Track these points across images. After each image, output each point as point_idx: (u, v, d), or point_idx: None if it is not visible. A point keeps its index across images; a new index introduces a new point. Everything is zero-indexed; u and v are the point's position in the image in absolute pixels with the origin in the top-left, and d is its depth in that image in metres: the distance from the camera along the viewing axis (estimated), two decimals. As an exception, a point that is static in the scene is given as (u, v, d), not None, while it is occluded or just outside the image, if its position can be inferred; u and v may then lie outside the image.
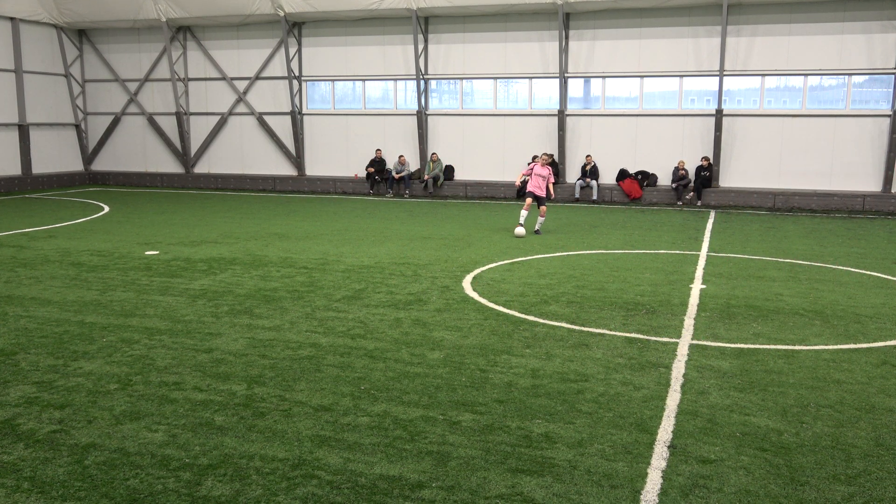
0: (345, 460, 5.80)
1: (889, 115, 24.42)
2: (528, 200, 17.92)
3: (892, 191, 24.60)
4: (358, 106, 30.01)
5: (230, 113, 31.01)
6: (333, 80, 29.99)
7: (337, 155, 29.98)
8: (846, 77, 25.16)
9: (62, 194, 27.71)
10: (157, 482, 5.44)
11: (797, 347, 8.75)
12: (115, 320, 9.78)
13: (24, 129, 29.74)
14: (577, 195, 26.39)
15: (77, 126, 32.55)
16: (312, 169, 30.44)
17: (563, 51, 26.49)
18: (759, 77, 25.80)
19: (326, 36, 29.41)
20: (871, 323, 9.91)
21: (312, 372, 7.79)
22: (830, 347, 8.76)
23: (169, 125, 31.82)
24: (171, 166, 32.15)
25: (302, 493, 5.29)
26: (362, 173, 29.09)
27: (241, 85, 30.67)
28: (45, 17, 30.14)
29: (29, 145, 29.96)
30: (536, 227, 18.05)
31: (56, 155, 31.50)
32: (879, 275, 13.35)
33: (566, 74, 26.89)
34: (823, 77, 25.61)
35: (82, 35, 32.35)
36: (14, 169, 29.50)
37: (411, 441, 6.14)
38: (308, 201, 25.95)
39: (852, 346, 8.86)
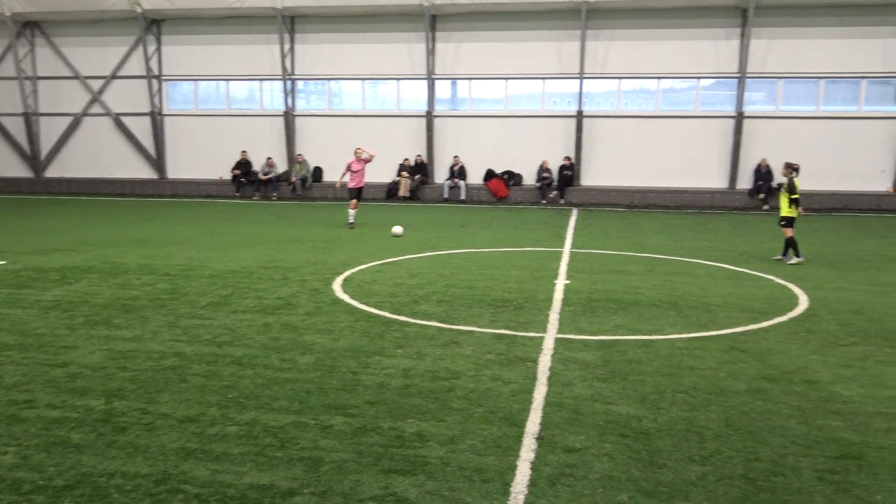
0: (212, 472, 5.63)
1: (734, 117, 26.06)
2: (355, 200, 18.93)
3: (737, 187, 26.26)
4: (222, 106, 29.22)
5: (84, 113, 29.50)
6: (196, 80, 29.07)
7: (201, 157, 29.07)
8: (695, 80, 26.67)
9: None
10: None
11: (654, 337, 9.21)
12: (-44, 337, 9.10)
13: None
14: (445, 195, 26.72)
15: None
16: (175, 172, 29.40)
17: (431, 52, 26.76)
18: (617, 80, 26.96)
19: (188, 34, 28.47)
20: (720, 312, 10.54)
21: (177, 382, 7.53)
22: (684, 336, 9.27)
23: (16, 127, 29.90)
24: (19, 170, 30.24)
25: (167, 509, 5.11)
26: (228, 176, 28.34)
27: (97, 84, 29.22)
28: None
29: None
30: (351, 220, 18.98)
31: None
32: (727, 266, 14.23)
33: (433, 76, 27.16)
34: (675, 80, 27.06)
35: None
36: None
37: (282, 448, 6.04)
38: (170, 205, 25.03)
39: (703, 333, 9.40)
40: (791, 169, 14.79)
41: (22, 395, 7.19)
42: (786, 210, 14.79)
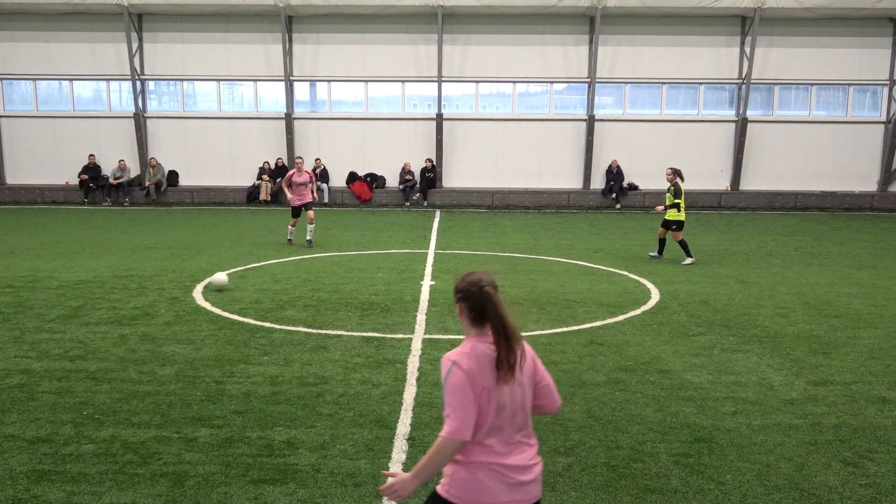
0: (68, 494, 5.34)
1: (585, 120, 27.17)
2: (294, 219, 16.65)
3: (591, 187, 27.40)
4: (66, 107, 27.60)
5: None
6: (35, 80, 27.31)
7: (44, 161, 27.33)
8: (549, 85, 27.61)
9: None
10: None
11: (518, 334, 9.46)
12: None
13: None
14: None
15: None
16: (14, 177, 27.51)
17: (288, 53, 26.36)
18: (474, 83, 27.50)
19: (24, 30, 26.68)
20: (578, 307, 10.97)
21: (25, 401, 7.07)
22: (546, 332, 9.59)
23: None
24: None
25: (19, 536, 4.79)
26: (74, 181, 26.79)
27: (-80, 83, 26.93)
28: None
29: None
30: (308, 237, 16.52)
31: None
32: (584, 263, 14.82)
33: (291, 77, 26.77)
34: (530, 84, 27.90)
35: None
36: None
37: (143, 464, 5.80)
38: (10, 213, 23.43)
39: (564, 329, 9.76)
40: (676, 174, 15.10)
41: None
42: (674, 214, 14.98)
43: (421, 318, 10.24)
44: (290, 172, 16.64)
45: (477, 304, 3.29)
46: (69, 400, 7.11)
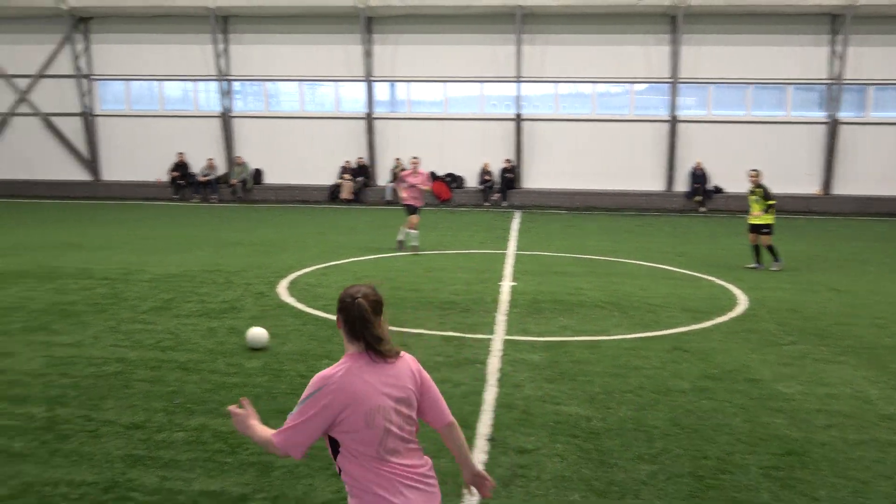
0: (161, 479, 5.52)
1: (668, 121, 26.65)
2: (412, 219, 15.68)
3: (674, 190, 26.86)
4: (156, 107, 28.59)
5: (11, 113, 28.51)
6: (128, 80, 28.37)
7: (137, 158, 28.38)
8: (629, 85, 27.19)
9: None
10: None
11: (600, 338, 9.35)
12: None
13: None
14: (388, 197, 26.66)
15: None
16: (109, 174, 28.65)
17: (368, 54, 26.68)
18: (553, 84, 27.30)
19: (118, 33, 27.76)
20: (661, 312, 10.77)
21: (120, 388, 7.35)
22: (629, 336, 9.44)
23: (-62, 126, 28.78)
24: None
25: (116, 518, 4.99)
26: (165, 177, 27.75)
27: (23, 83, 28.29)
28: None
29: None
30: (413, 243, 15.67)
31: None
32: (666, 267, 14.54)
33: (371, 78, 27.09)
34: (609, 84, 27.55)
35: None
36: None
37: (232, 454, 5.95)
38: (105, 208, 24.40)
39: (647, 334, 9.59)
40: (759, 175, 14.51)
41: (-44, 404, 6.92)
42: (764, 217, 14.37)
43: (501, 318, 10.22)
44: (405, 172, 16.22)
45: (349, 317, 3.23)
46: (161, 389, 7.36)
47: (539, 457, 5.92)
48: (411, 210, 15.75)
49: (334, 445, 3.26)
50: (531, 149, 27.24)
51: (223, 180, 27.45)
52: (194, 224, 20.22)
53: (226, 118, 27.61)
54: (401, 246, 15.89)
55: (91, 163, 28.36)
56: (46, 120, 28.33)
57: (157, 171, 27.99)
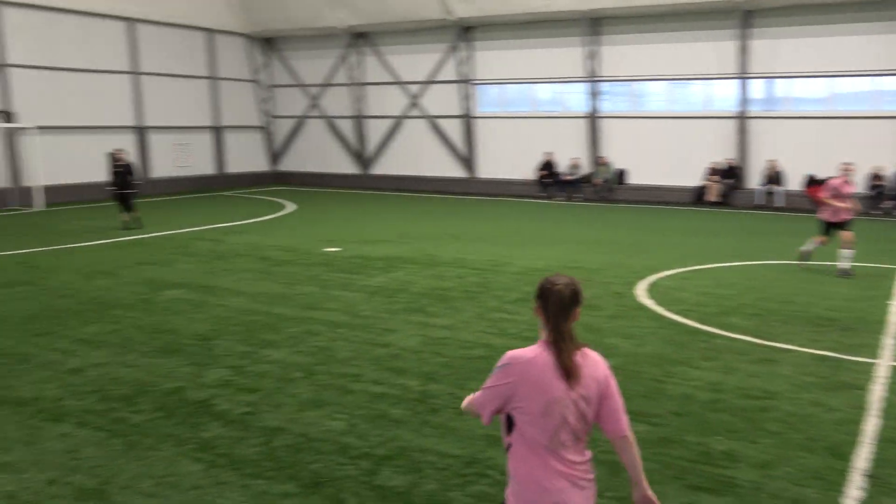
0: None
1: None
2: (845, 235, 13.22)
3: None
4: (528, 108, 30.04)
5: (404, 116, 31.94)
6: (503, 84, 30.18)
7: (507, 157, 30.13)
8: None
9: (251, 192, 29.59)
10: (338, 468, 5.67)
11: None
12: (299, 312, 10.31)
13: (218, 132, 32.07)
14: (758, 202, 25.10)
15: (264, 128, 34.67)
16: (483, 171, 30.79)
17: (743, 50, 25.28)
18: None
19: (496, 39, 29.62)
20: None
21: (485, 372, 7.83)
22: None
23: (348, 128, 33.21)
24: (349, 167, 33.55)
25: (474, 491, 5.35)
26: (532, 176, 29.10)
27: (415, 89, 31.51)
28: (236, 27, 32.36)
29: (222, 146, 32.28)
30: (844, 267, 13.17)
31: (246, 155, 33.70)
32: None
33: (746, 75, 25.63)
34: None
35: (269, 43, 34.40)
36: (210, 168, 31.86)
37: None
38: (479, 203, 26.26)
39: None
40: None
41: (351, 369, 7.96)
42: None
43: (889, 342, 9.07)
44: (836, 181, 13.43)
45: (546, 304, 3.27)
46: (521, 376, 7.72)
47: (929, 504, 5.16)
48: (839, 225, 13.35)
49: (510, 423, 3.32)
50: (935, 151, 23.74)
51: (587, 180, 28.00)
52: (558, 221, 20.90)
53: (593, 119, 28.11)
54: (805, 257, 13.85)
55: (468, 161, 30.72)
56: (432, 122, 31.27)
57: (526, 170, 29.44)
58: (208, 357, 8.33)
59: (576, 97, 29.11)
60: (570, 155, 28.46)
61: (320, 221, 20.30)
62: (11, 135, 24.59)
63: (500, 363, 3.36)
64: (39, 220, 20.40)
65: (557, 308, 3.28)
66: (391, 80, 31.95)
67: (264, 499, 5.25)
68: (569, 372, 3.24)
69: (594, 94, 28.06)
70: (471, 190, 30.18)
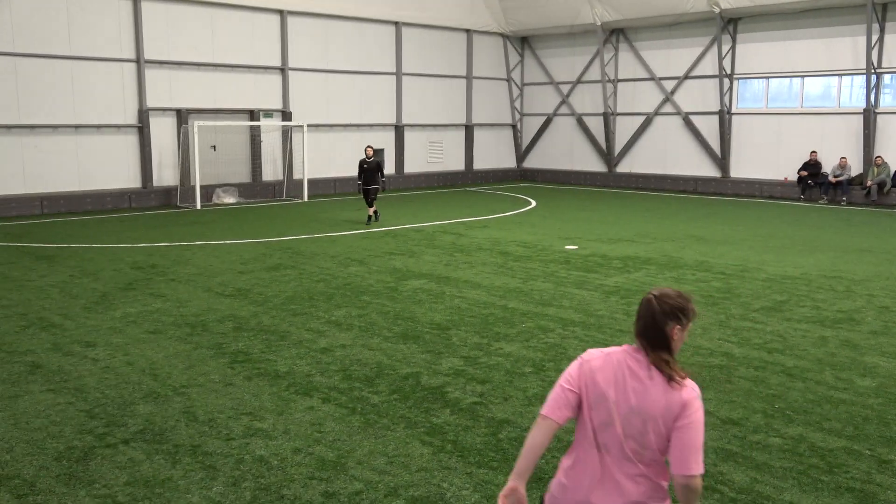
0: (751, 480, 5.46)
1: None
2: None
3: None
4: (794, 104, 27.93)
5: (655, 113, 31.04)
6: (767, 78, 28.32)
7: (765, 156, 28.26)
8: None
9: (496, 188, 30.32)
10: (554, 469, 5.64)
11: None
12: (533, 308, 10.41)
13: (469, 129, 33.17)
14: None
15: (513, 126, 35.32)
16: (737, 171, 29.14)
17: None
18: None
19: (762, 31, 27.84)
20: None
21: (722, 382, 7.46)
22: None
23: (596, 125, 32.92)
24: (594, 165, 33.26)
25: None
26: (792, 176, 27.05)
27: (669, 85, 30.51)
28: (494, 27, 33.21)
29: (472, 143, 33.34)
30: None
31: (493, 152, 34.55)
32: None
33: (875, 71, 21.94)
34: None
35: (524, 42, 34.95)
36: (459, 165, 33.06)
37: (829, 472, 5.56)
38: (730, 204, 24.93)
39: None
40: None
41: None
42: None
43: None
44: None
45: (638, 312, 3.10)
46: (763, 390, 7.24)
47: None
48: None
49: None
50: None
51: (856, 181, 25.52)
52: (818, 226, 19.26)
53: (868, 114, 25.55)
54: None
55: (721, 160, 29.22)
56: (686, 118, 30.10)
57: (786, 170, 27.43)
58: (444, 346, 8.66)
59: (850, 91, 26.64)
60: (840, 154, 26.10)
61: (562, 219, 20.32)
62: (288, 133, 27.14)
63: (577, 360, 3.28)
64: (306, 210, 22.35)
65: (646, 320, 3.06)
66: (645, 76, 31.20)
67: (487, 488, 5.37)
68: (656, 365, 3.03)
69: (873, 88, 25.49)
70: (722, 190, 28.71)
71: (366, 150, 19.55)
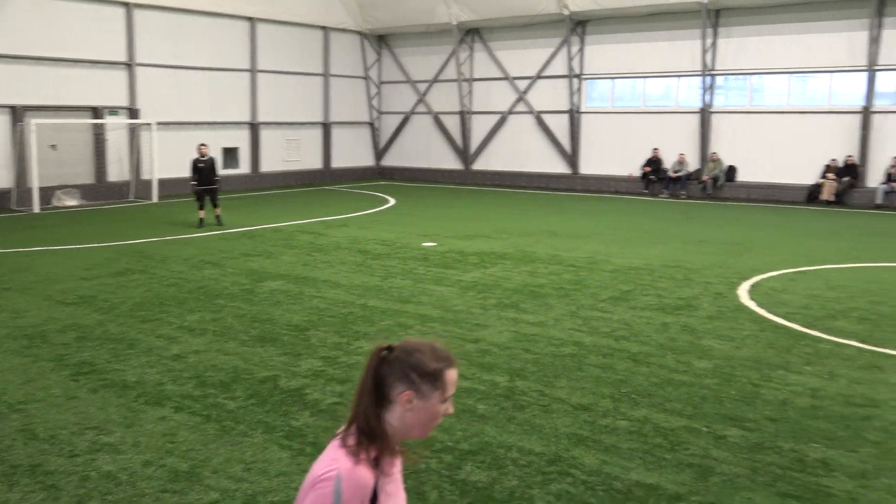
0: (601, 462, 5.72)
1: None
2: None
3: None
4: (637, 104, 29.42)
5: (510, 112, 31.86)
6: (613, 78, 29.66)
7: (612, 154, 29.61)
8: None
9: (355, 187, 30.21)
10: (421, 461, 5.72)
11: None
12: (392, 305, 10.47)
13: (327, 127, 32.87)
14: (878, 201, 23.79)
15: (371, 124, 35.30)
16: (586, 167, 30.38)
17: (875, 40, 23.95)
18: None
19: (609, 34, 29.13)
20: None
21: (573, 370, 7.78)
22: None
23: (452, 124, 33.41)
24: (452, 163, 33.75)
25: (556, 490, 5.31)
26: (637, 172, 28.50)
27: (522, 84, 31.38)
28: (351, 25, 33.05)
29: (330, 142, 33.06)
30: None
31: (352, 151, 34.39)
32: None
33: (875, 67, 24.27)
34: None
35: (381, 40, 34.97)
36: (317, 163, 32.70)
37: (671, 451, 5.91)
38: (581, 200, 25.95)
39: None
40: None
41: (439, 363, 8.00)
42: None
43: None
44: None
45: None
46: (611, 376, 7.61)
47: None
48: None
49: None
50: None
51: (694, 177, 27.19)
52: (661, 219, 20.40)
53: (705, 114, 27.27)
54: None
55: (572, 157, 30.37)
56: (538, 117, 31.07)
57: (631, 166, 28.85)
58: (303, 347, 8.57)
59: (688, 92, 28.32)
60: (679, 151, 27.71)
61: (420, 216, 20.52)
62: (135, 131, 25.92)
63: None
64: (156, 212, 21.46)
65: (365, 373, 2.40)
66: (500, 76, 31.93)
67: (346, 487, 5.35)
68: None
69: (708, 89, 27.21)
70: (573, 186, 29.85)
71: (199, 149, 18.71)
